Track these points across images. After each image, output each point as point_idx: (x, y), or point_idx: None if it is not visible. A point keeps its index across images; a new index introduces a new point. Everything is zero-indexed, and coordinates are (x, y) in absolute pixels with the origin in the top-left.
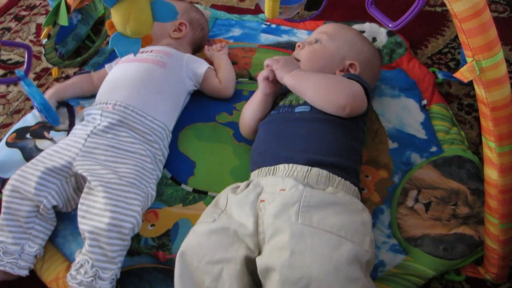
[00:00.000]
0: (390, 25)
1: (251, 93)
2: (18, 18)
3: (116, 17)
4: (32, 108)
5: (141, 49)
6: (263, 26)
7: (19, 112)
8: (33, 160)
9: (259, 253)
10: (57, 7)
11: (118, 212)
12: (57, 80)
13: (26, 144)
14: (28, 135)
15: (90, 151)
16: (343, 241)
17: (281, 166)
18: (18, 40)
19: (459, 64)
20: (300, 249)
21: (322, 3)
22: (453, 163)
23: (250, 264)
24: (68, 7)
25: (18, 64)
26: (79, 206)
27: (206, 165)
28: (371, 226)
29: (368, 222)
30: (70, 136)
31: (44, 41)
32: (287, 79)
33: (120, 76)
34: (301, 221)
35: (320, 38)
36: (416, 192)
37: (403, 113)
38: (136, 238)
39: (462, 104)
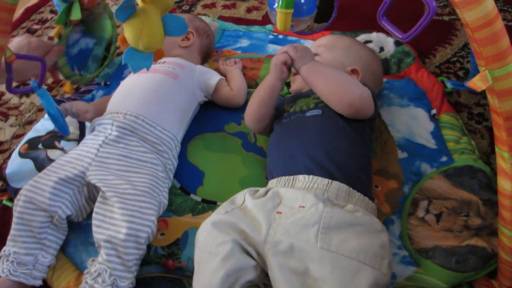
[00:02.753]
0: (400, 37)
1: None
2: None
3: (128, 32)
4: (42, 117)
5: None
6: (271, 36)
7: (31, 123)
8: (45, 171)
9: (257, 262)
10: (69, 6)
11: (135, 222)
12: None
13: (38, 154)
14: (40, 146)
15: (103, 161)
16: (362, 266)
17: (301, 177)
18: None
19: (468, 73)
20: (321, 275)
21: (332, 15)
22: (464, 173)
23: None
24: (81, 3)
25: None
26: (94, 215)
27: (215, 175)
28: (389, 247)
29: (386, 243)
30: (81, 146)
31: (55, 41)
32: (303, 70)
33: (131, 86)
34: (321, 244)
35: (318, 51)
36: (427, 203)
37: (412, 123)
38: (146, 247)
39: (472, 113)
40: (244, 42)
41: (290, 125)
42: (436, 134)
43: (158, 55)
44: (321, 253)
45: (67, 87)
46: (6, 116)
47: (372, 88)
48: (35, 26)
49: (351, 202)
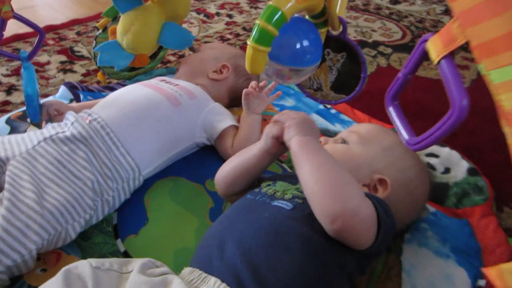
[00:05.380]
0: (406, 138)
1: (268, 172)
2: None
3: (120, 24)
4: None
5: (167, 79)
6: (320, 107)
7: (46, 97)
8: None
9: None
10: None
11: (5, 242)
12: (98, 83)
13: (20, 126)
14: (28, 119)
15: (34, 157)
16: None
17: (212, 281)
18: None
19: None
20: None
21: (355, 90)
22: None
23: None
24: None
25: (83, 58)
26: None
27: (156, 230)
28: None
29: None
30: (32, 132)
31: (98, 32)
32: (295, 142)
33: (122, 94)
34: None
35: (348, 138)
36: None
37: (441, 284)
38: (15, 277)
39: None
40: (290, 102)
41: (248, 206)
42: None
43: (140, 61)
44: None
45: (100, 76)
46: None
47: (399, 215)
48: None
49: None
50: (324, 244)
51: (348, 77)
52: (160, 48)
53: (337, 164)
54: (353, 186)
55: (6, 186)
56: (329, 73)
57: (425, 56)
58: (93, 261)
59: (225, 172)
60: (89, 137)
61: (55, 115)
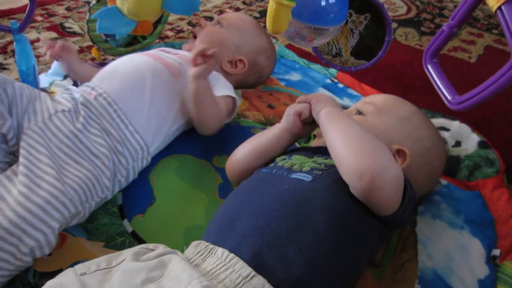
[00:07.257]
0: (449, 98)
1: None
2: None
3: None
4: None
5: (166, 49)
6: (328, 81)
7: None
8: None
9: None
10: None
11: (26, 220)
12: (92, 59)
13: None
14: None
15: (49, 129)
16: None
17: (220, 252)
18: None
19: None
20: None
21: (378, 55)
22: None
23: None
24: None
25: (75, 34)
26: None
27: (164, 209)
28: None
29: None
30: (50, 101)
31: (92, 3)
32: (325, 111)
33: (121, 64)
34: None
35: (364, 109)
36: None
37: (456, 255)
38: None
39: None
40: (295, 76)
41: (264, 180)
42: (486, 285)
43: (142, 27)
44: None
45: (94, 52)
46: None
47: (416, 186)
48: None
49: None
50: (346, 214)
51: (371, 41)
52: (158, 23)
53: (365, 129)
54: (383, 148)
55: (22, 160)
56: (350, 36)
57: (478, 3)
58: (79, 268)
59: (242, 155)
60: (99, 115)
61: (64, 54)
